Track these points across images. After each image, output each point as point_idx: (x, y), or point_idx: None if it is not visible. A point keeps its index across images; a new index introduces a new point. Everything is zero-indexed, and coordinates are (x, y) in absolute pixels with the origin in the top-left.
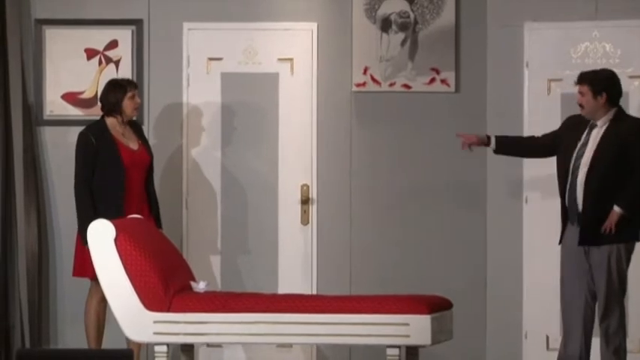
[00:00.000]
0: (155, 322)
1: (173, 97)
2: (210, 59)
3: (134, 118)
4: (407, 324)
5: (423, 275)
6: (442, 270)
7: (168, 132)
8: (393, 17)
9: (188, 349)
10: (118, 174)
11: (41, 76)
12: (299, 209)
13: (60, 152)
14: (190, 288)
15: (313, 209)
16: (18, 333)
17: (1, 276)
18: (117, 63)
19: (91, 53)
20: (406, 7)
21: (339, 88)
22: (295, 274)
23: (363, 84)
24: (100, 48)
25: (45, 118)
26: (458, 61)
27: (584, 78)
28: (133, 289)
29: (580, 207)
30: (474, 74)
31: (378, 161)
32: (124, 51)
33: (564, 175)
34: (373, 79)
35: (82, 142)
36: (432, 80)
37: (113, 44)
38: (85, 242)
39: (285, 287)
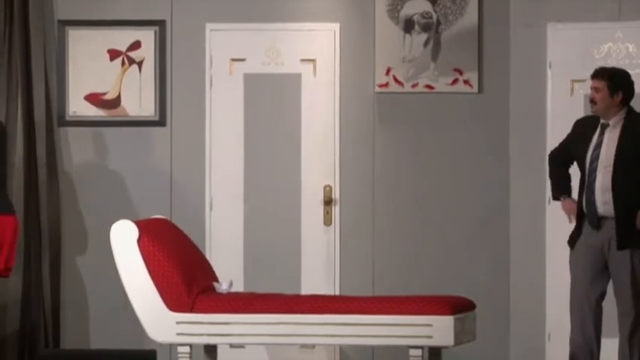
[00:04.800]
0: (178, 322)
1: (196, 98)
2: (233, 60)
3: None
4: (430, 325)
5: (445, 276)
6: (465, 271)
7: (190, 133)
8: (415, 18)
9: (211, 349)
10: None
11: (64, 77)
12: (322, 210)
13: (83, 153)
14: (213, 289)
15: (336, 210)
16: (41, 334)
17: (25, 277)
18: (140, 64)
19: (114, 54)
20: (429, 7)
21: (362, 89)
22: (318, 274)
23: (386, 85)
24: (123, 49)
25: (68, 119)
26: (481, 61)
27: (602, 74)
28: (155, 290)
29: (600, 210)
30: (496, 75)
31: (400, 162)
32: (147, 52)
33: (582, 179)
34: (396, 80)
35: None
36: (455, 81)
37: (136, 45)
38: None
39: (308, 288)
